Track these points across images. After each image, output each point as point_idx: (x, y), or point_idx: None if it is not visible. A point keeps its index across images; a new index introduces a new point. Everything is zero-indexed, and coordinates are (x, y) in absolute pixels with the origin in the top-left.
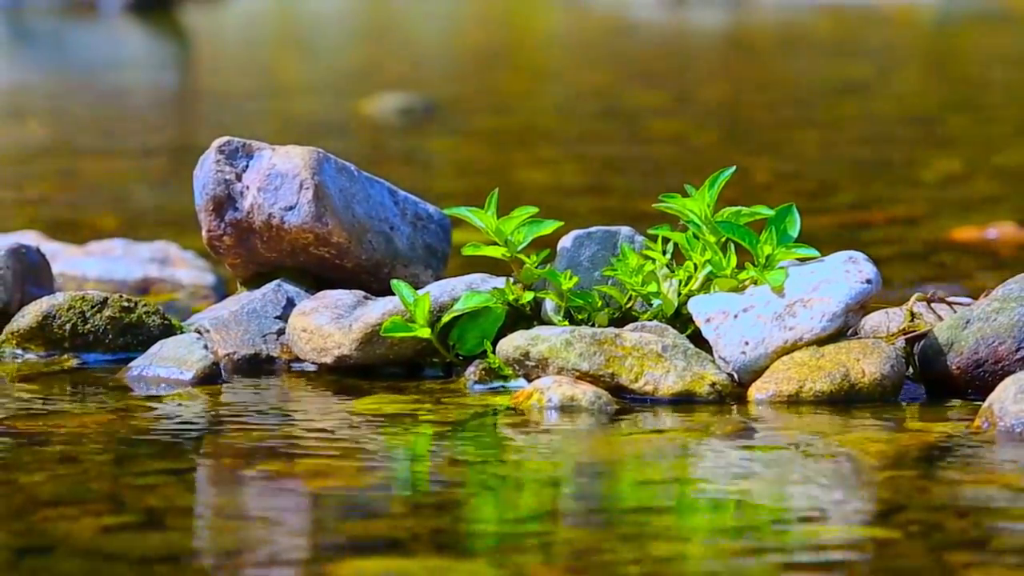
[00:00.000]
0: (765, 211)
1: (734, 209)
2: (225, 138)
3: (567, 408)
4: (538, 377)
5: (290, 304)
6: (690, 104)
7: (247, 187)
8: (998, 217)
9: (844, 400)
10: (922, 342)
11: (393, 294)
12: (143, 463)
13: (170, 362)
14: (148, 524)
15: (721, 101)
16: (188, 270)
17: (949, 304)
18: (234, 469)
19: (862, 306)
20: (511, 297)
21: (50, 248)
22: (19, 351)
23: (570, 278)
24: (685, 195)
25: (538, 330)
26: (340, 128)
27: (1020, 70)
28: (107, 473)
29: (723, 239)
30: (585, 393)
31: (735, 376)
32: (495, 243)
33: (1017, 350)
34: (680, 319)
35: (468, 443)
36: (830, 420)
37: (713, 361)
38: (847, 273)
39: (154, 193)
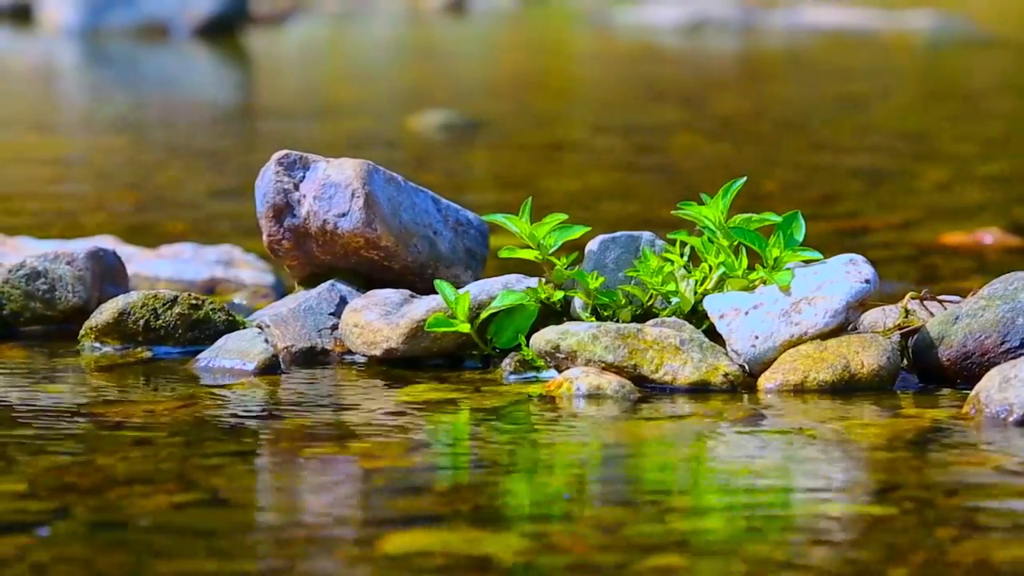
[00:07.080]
0: (773, 218)
1: (745, 216)
2: (284, 151)
3: (594, 396)
4: (567, 368)
5: (343, 302)
6: (706, 120)
7: (304, 196)
8: (985, 223)
9: (845, 389)
10: (915, 336)
11: (436, 293)
12: (210, 446)
13: (234, 354)
14: (214, 501)
15: (734, 117)
16: (250, 271)
17: (940, 302)
18: (292, 451)
19: (861, 304)
20: (543, 296)
21: (125, 251)
22: (97, 344)
23: (597, 278)
24: (701, 203)
25: (567, 325)
26: (388, 142)
27: (1004, 88)
28: (177, 455)
29: (735, 243)
30: (610, 382)
31: (746, 367)
32: (528, 247)
33: (1002, 343)
34: (696, 315)
35: (504, 427)
36: (832, 407)
37: (726, 354)
38: (847, 274)
39: (220, 201)
